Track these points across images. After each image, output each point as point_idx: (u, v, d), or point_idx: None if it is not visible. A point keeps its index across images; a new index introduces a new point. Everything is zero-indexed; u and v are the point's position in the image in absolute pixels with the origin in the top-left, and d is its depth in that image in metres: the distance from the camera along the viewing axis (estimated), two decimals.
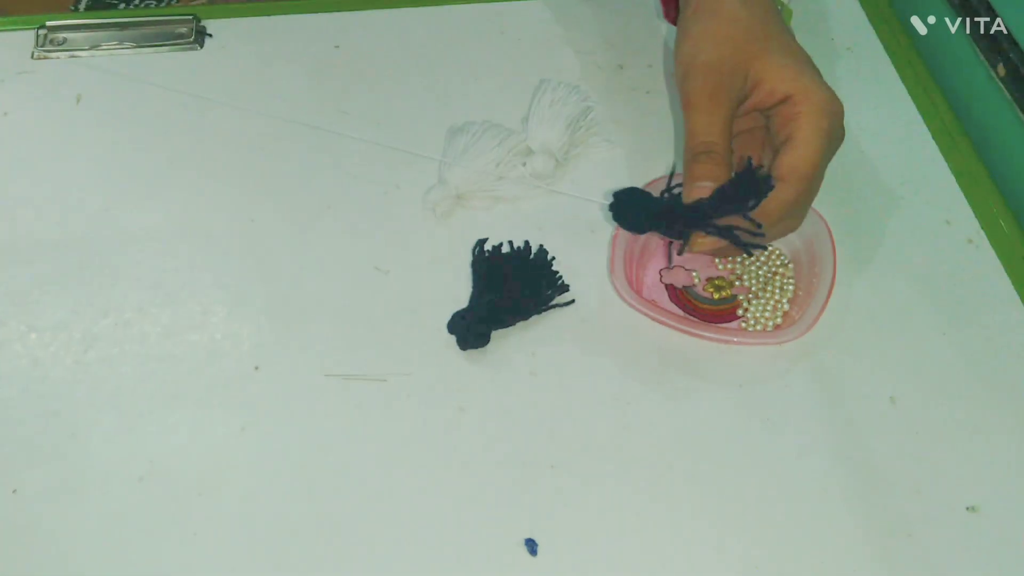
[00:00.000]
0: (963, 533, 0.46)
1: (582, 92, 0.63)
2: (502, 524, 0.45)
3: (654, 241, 0.56)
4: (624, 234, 0.53)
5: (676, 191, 0.46)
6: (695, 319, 0.53)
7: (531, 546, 0.45)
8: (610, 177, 0.60)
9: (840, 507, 0.47)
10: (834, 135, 0.45)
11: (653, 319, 0.51)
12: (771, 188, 0.44)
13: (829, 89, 0.45)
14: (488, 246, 0.55)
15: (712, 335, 0.52)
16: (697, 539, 0.45)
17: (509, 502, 0.46)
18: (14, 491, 0.46)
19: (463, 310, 0.52)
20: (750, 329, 0.53)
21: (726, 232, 0.44)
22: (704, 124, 0.44)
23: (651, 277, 0.55)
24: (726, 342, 0.52)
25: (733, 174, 0.45)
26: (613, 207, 0.47)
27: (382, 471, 0.47)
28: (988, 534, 0.46)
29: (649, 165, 0.61)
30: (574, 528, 0.45)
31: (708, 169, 0.44)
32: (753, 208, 0.43)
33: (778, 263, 0.56)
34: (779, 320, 0.53)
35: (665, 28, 0.70)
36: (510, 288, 0.52)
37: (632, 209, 0.46)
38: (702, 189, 0.44)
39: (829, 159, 0.46)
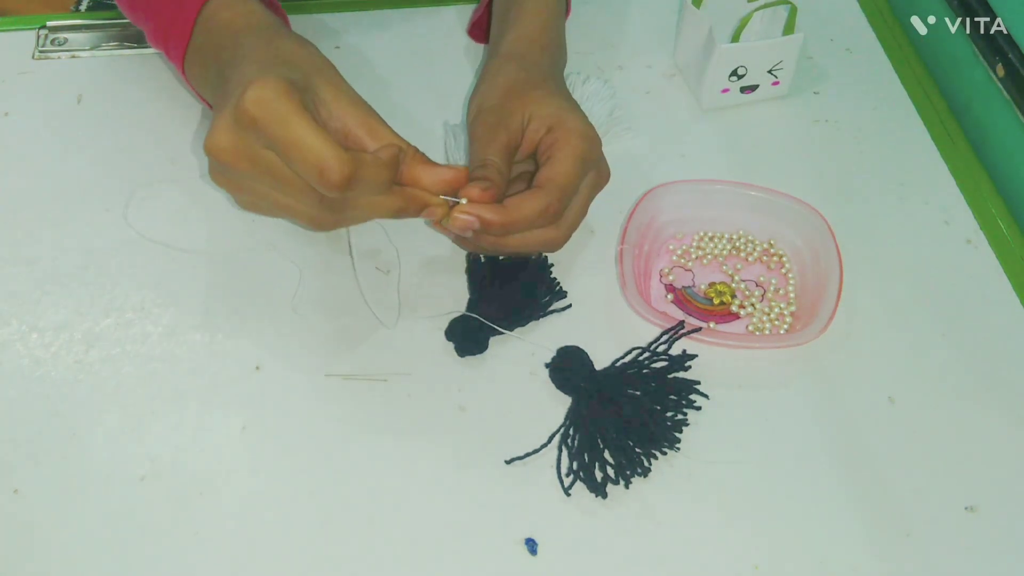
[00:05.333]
0: (962, 533, 0.46)
1: (610, 87, 0.63)
2: (502, 524, 0.46)
3: (655, 251, 0.57)
4: (630, 249, 0.54)
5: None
6: (715, 330, 0.53)
7: (531, 546, 0.45)
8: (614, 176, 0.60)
9: (839, 507, 0.47)
10: (588, 157, 0.51)
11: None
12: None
13: (587, 122, 0.52)
14: None
15: (729, 343, 0.52)
16: (697, 539, 0.45)
17: (509, 502, 0.46)
18: (15, 491, 0.46)
19: (461, 317, 0.52)
20: (757, 333, 0.53)
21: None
22: (483, 150, 0.51)
23: (656, 290, 0.55)
24: (746, 347, 0.52)
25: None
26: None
27: (382, 471, 0.47)
28: (987, 534, 0.46)
29: (648, 165, 0.61)
30: (574, 528, 0.45)
31: (484, 173, 0.50)
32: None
33: (780, 268, 0.56)
34: (789, 321, 0.53)
35: (665, 30, 0.70)
36: (508, 296, 0.52)
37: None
38: (472, 189, 0.48)
39: (584, 177, 0.51)
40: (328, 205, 0.44)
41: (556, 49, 0.60)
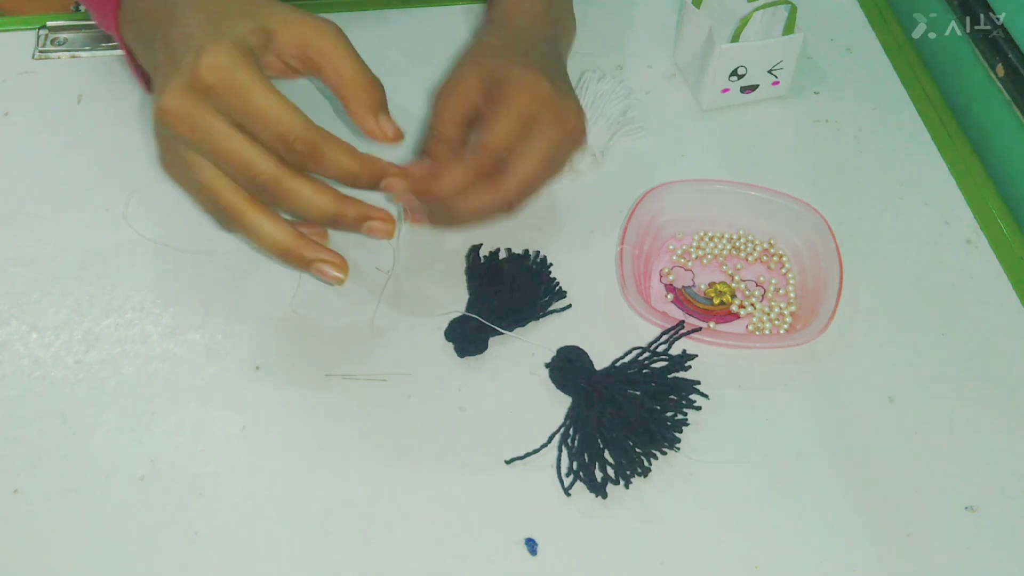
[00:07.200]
0: (962, 533, 0.46)
1: (626, 86, 0.63)
2: (502, 524, 0.46)
3: (655, 251, 0.57)
4: (629, 249, 0.54)
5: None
6: (715, 330, 0.53)
7: (531, 546, 0.45)
8: (614, 176, 0.60)
9: (839, 507, 0.47)
10: (530, 110, 0.48)
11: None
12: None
13: (538, 74, 0.49)
14: (484, 251, 0.55)
15: (729, 343, 0.52)
16: (697, 538, 0.45)
17: (509, 502, 0.46)
18: (16, 491, 0.46)
19: (460, 317, 0.52)
20: (757, 333, 0.53)
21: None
22: (434, 118, 0.51)
23: (656, 289, 0.55)
24: (746, 347, 0.52)
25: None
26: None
27: (382, 471, 0.47)
28: (987, 534, 0.46)
29: (648, 165, 0.61)
30: (574, 528, 0.45)
31: (427, 146, 0.50)
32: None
33: (780, 268, 0.56)
34: (789, 321, 0.53)
35: (665, 30, 0.70)
36: (507, 296, 0.52)
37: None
38: (414, 166, 0.48)
39: (524, 131, 0.48)
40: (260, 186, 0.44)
41: (545, 16, 0.56)
